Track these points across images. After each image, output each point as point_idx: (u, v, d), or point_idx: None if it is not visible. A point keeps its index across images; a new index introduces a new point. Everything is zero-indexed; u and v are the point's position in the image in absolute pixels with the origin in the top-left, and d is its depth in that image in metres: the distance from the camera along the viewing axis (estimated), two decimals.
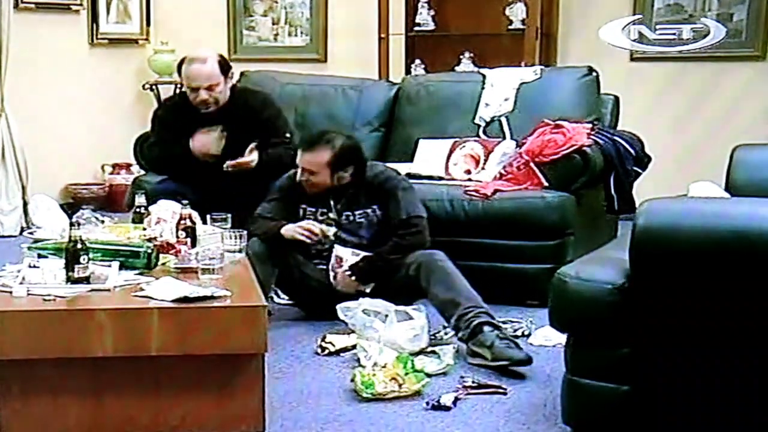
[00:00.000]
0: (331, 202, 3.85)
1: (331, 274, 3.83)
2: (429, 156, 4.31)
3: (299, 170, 3.83)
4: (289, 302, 4.02)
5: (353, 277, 3.75)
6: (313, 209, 3.87)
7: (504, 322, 3.60)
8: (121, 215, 4.36)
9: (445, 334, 3.63)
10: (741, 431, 2.41)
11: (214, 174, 4.19)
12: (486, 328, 3.35)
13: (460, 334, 3.42)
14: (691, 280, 2.33)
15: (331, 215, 3.85)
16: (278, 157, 4.22)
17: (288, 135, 4.41)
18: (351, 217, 3.85)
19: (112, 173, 6.36)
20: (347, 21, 6.49)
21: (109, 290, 2.81)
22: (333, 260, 3.83)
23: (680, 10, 5.79)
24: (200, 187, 4.08)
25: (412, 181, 4.01)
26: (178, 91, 6.43)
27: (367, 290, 3.74)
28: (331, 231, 3.78)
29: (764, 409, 2.36)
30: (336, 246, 3.84)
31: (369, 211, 3.85)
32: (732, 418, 2.40)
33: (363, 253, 3.79)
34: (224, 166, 4.19)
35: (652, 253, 2.35)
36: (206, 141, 4.24)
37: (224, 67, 4.28)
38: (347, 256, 3.81)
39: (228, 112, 4.29)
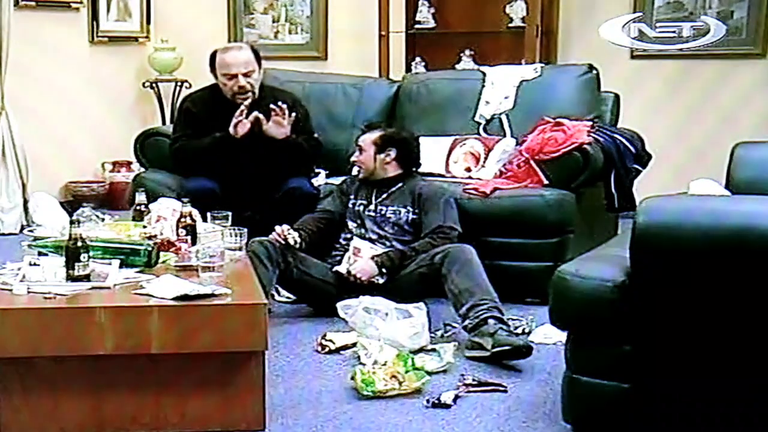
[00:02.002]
0: (373, 196, 4.02)
1: (346, 263, 3.87)
2: (429, 154, 4.30)
3: (356, 151, 4.11)
4: (290, 300, 4.03)
5: (377, 266, 3.78)
6: (355, 201, 4.06)
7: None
8: (122, 213, 4.36)
9: (446, 332, 3.64)
10: (741, 430, 2.41)
11: (244, 163, 4.23)
12: (491, 321, 3.38)
13: (465, 322, 3.44)
14: (691, 278, 2.33)
15: (370, 208, 4.00)
16: (301, 146, 4.35)
17: (315, 135, 4.51)
18: (383, 211, 3.99)
19: (112, 171, 6.36)
20: (347, 19, 6.49)
21: (109, 288, 2.81)
22: (351, 250, 3.91)
23: (680, 8, 5.79)
24: (229, 181, 4.16)
25: None
26: (179, 88, 6.47)
27: (381, 281, 3.78)
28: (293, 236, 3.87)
29: (764, 407, 2.36)
30: (355, 238, 3.95)
31: (402, 210, 3.97)
32: (732, 417, 2.40)
33: (380, 249, 3.87)
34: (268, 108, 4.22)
35: (652, 250, 2.35)
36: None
37: (258, 55, 4.40)
38: (365, 248, 3.89)
39: (258, 108, 4.32)
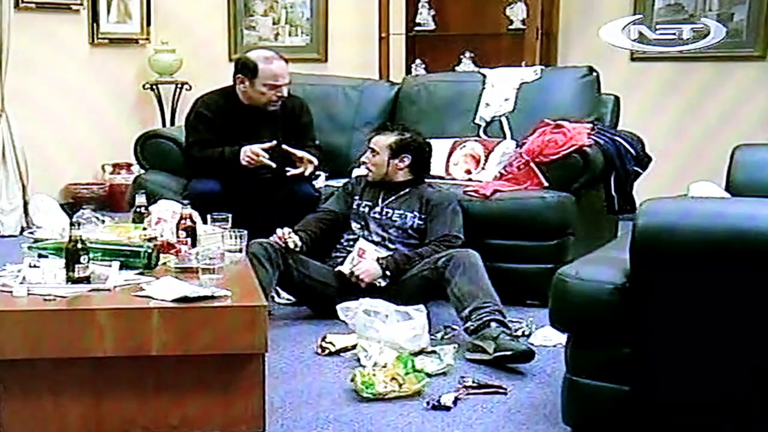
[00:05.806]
0: (380, 199, 4.00)
1: (349, 263, 3.86)
2: None
3: (367, 152, 4.06)
4: (291, 302, 4.03)
5: (381, 268, 3.78)
6: (360, 202, 4.04)
7: None
8: (122, 215, 4.36)
9: (446, 334, 3.64)
10: (741, 431, 2.41)
11: (257, 173, 4.24)
12: (493, 324, 3.38)
13: (467, 325, 3.44)
14: (691, 280, 2.33)
15: (376, 210, 3.98)
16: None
17: (317, 142, 4.52)
18: (389, 214, 3.97)
19: (112, 173, 6.36)
20: (348, 21, 6.49)
21: (109, 290, 2.81)
22: (355, 251, 3.90)
23: (680, 10, 5.79)
24: (232, 184, 4.16)
25: None
26: (179, 90, 6.47)
27: (382, 284, 3.78)
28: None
29: (764, 409, 2.37)
30: (361, 239, 3.94)
31: (409, 215, 3.96)
32: (731, 418, 2.40)
33: (383, 251, 3.87)
34: (287, 173, 4.25)
35: (652, 253, 2.35)
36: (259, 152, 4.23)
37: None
38: (370, 249, 3.88)
39: (271, 114, 4.34)
